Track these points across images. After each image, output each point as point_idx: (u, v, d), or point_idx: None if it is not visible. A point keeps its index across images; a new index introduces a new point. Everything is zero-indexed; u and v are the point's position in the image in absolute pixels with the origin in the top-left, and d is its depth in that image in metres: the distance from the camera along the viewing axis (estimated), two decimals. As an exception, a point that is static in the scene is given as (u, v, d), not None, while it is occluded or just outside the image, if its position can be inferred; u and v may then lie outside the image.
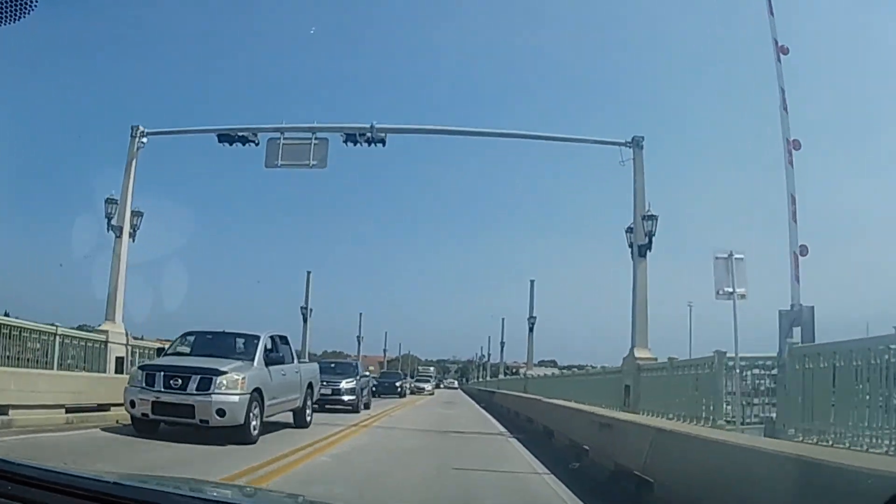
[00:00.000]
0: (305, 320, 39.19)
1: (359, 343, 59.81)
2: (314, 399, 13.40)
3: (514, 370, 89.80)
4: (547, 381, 26.52)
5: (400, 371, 54.07)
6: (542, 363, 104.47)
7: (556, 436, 12.15)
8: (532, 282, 37.65)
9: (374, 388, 36.20)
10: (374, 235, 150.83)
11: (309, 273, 39.38)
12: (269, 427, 11.16)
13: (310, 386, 12.71)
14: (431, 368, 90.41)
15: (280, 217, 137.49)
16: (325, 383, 17.52)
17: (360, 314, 59.83)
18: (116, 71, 64.62)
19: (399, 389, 37.05)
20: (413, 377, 63.04)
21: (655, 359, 14.83)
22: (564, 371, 44.99)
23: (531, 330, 36.93)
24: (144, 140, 18.73)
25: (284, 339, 11.92)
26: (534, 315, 37.23)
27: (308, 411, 12.69)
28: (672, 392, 12.62)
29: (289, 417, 12.37)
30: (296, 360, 12.29)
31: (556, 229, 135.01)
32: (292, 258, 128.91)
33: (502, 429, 17.82)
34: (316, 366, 14.57)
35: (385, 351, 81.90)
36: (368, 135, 17.60)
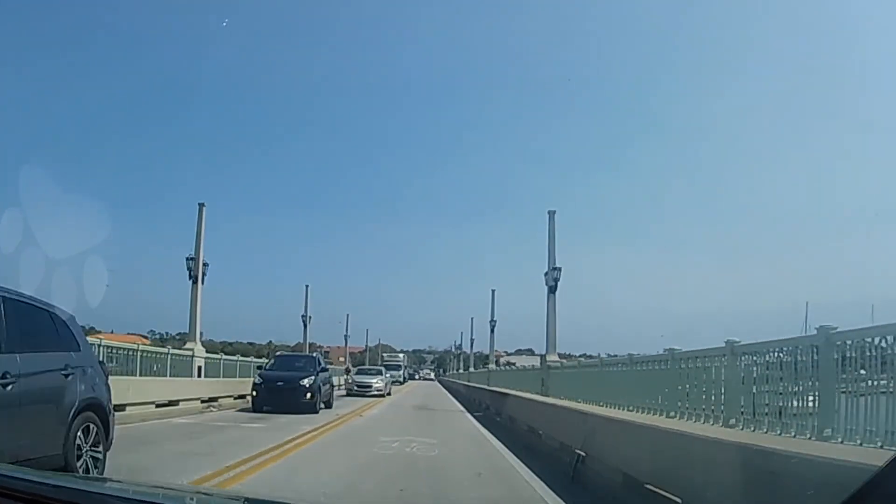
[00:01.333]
0: (196, 281, 24.58)
1: (305, 326, 43.21)
2: None
3: (495, 359, 76.57)
4: (600, 377, 13.17)
5: (318, 355, 26.02)
6: (518, 352, 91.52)
7: None
8: (552, 214, 20.85)
9: (253, 396, 17.98)
10: (348, 224, 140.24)
11: (201, 206, 24.50)
12: None
13: None
14: (401, 355, 72.35)
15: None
16: None
17: (307, 286, 43.38)
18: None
19: (306, 398, 17.72)
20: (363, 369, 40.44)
21: None
22: (588, 358, 30.74)
23: (553, 290, 20.65)
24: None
25: None
26: (556, 266, 20.47)
27: None
28: None
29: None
30: None
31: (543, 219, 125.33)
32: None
33: None
34: None
35: (346, 337, 63.73)
36: None
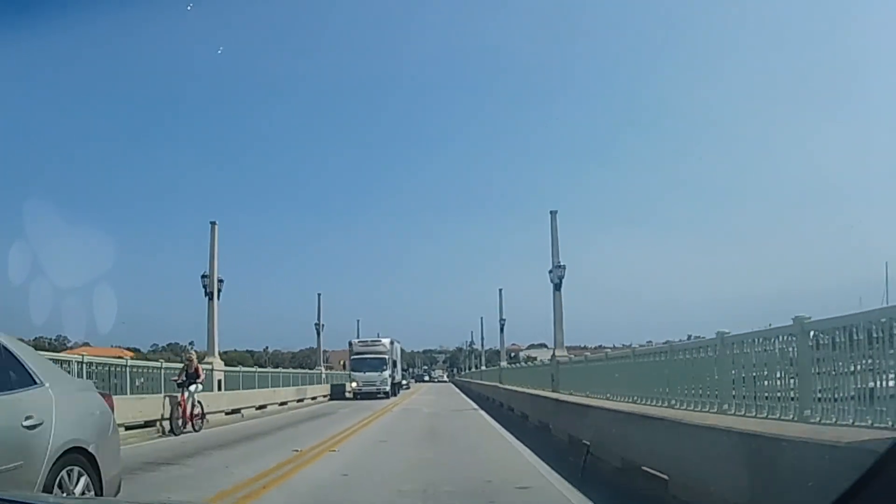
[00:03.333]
0: (212, 297, 25.26)
1: (211, 296, 25.49)
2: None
3: (512, 354, 73.24)
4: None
5: None
6: (531, 347, 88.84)
7: None
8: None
9: None
10: (350, 224, 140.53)
11: (213, 224, 25.54)
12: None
13: None
14: (384, 341, 40.98)
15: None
16: None
17: (214, 224, 26.39)
18: None
19: None
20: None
21: None
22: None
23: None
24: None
25: None
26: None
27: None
28: None
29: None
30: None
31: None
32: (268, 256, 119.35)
33: None
34: None
35: (318, 326, 47.00)
36: None
